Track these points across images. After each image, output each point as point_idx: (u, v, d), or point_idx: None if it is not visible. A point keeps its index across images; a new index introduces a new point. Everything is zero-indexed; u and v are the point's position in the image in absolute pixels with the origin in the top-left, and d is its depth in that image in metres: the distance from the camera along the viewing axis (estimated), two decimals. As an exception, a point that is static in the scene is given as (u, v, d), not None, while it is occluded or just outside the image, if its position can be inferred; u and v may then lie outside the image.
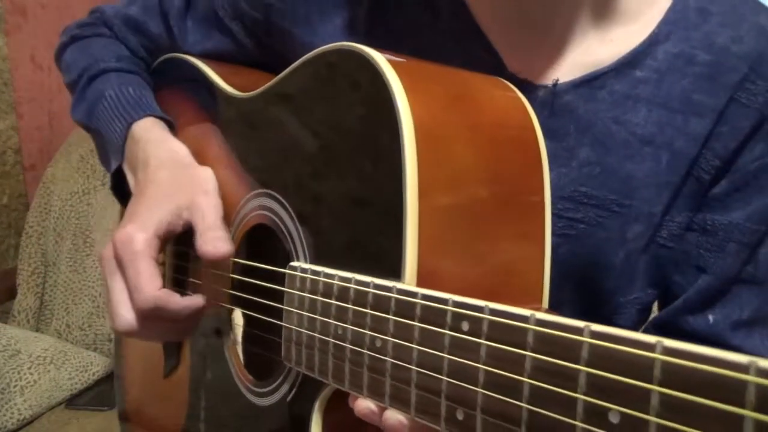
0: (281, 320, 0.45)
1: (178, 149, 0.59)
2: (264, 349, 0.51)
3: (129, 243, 0.50)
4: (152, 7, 0.68)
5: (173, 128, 0.63)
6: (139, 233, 0.51)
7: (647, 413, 0.24)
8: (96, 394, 1.41)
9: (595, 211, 0.49)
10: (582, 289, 0.50)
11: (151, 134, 0.60)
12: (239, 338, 0.56)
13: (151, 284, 0.49)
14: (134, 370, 0.75)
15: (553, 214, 0.43)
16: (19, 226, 1.78)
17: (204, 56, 0.66)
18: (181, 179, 0.56)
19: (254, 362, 0.54)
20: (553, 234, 0.42)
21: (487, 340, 0.30)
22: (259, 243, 0.55)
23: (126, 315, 0.50)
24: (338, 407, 0.43)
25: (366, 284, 0.38)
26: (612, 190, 0.49)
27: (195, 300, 0.53)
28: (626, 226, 0.49)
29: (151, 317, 0.50)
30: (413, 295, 0.35)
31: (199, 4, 0.65)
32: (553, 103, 0.49)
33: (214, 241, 0.51)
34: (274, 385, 0.48)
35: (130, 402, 0.76)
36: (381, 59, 0.40)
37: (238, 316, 0.57)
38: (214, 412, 0.58)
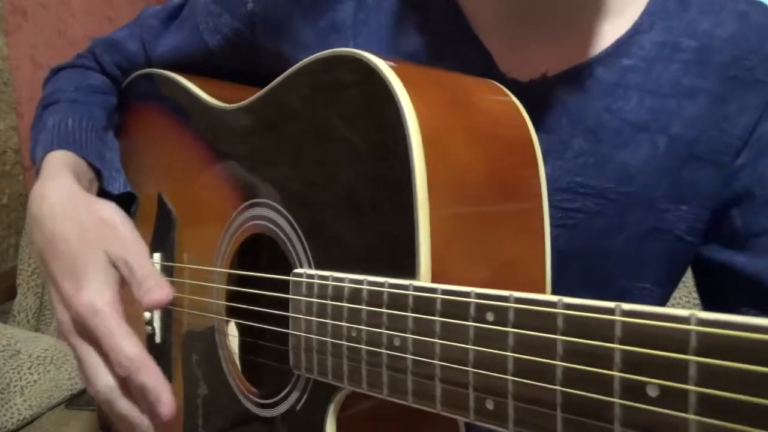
0: (285, 328, 0.45)
1: (64, 184, 0.55)
2: (267, 359, 0.51)
3: (92, 312, 0.47)
4: (136, 32, 0.69)
5: (100, 174, 0.61)
6: (97, 298, 0.47)
7: (686, 383, 0.25)
8: (96, 394, 1.39)
9: (592, 200, 0.50)
10: (583, 278, 0.51)
11: (49, 169, 0.57)
12: (236, 350, 0.56)
13: (129, 342, 0.46)
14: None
15: (551, 206, 0.44)
16: (19, 226, 1.77)
17: (171, 63, 0.66)
18: (86, 225, 0.52)
19: (253, 373, 0.54)
20: (552, 225, 0.44)
21: (514, 328, 0.31)
22: (253, 253, 0.54)
23: (105, 379, 0.47)
24: (353, 410, 0.43)
25: (380, 284, 0.38)
26: (608, 178, 0.50)
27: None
28: (624, 212, 0.50)
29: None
30: (433, 291, 0.35)
31: (186, 24, 0.65)
32: (543, 97, 0.50)
33: (152, 289, 0.49)
34: (282, 395, 0.47)
35: None
36: (382, 64, 0.40)
37: (232, 328, 0.56)
38: (215, 428, 0.57)
